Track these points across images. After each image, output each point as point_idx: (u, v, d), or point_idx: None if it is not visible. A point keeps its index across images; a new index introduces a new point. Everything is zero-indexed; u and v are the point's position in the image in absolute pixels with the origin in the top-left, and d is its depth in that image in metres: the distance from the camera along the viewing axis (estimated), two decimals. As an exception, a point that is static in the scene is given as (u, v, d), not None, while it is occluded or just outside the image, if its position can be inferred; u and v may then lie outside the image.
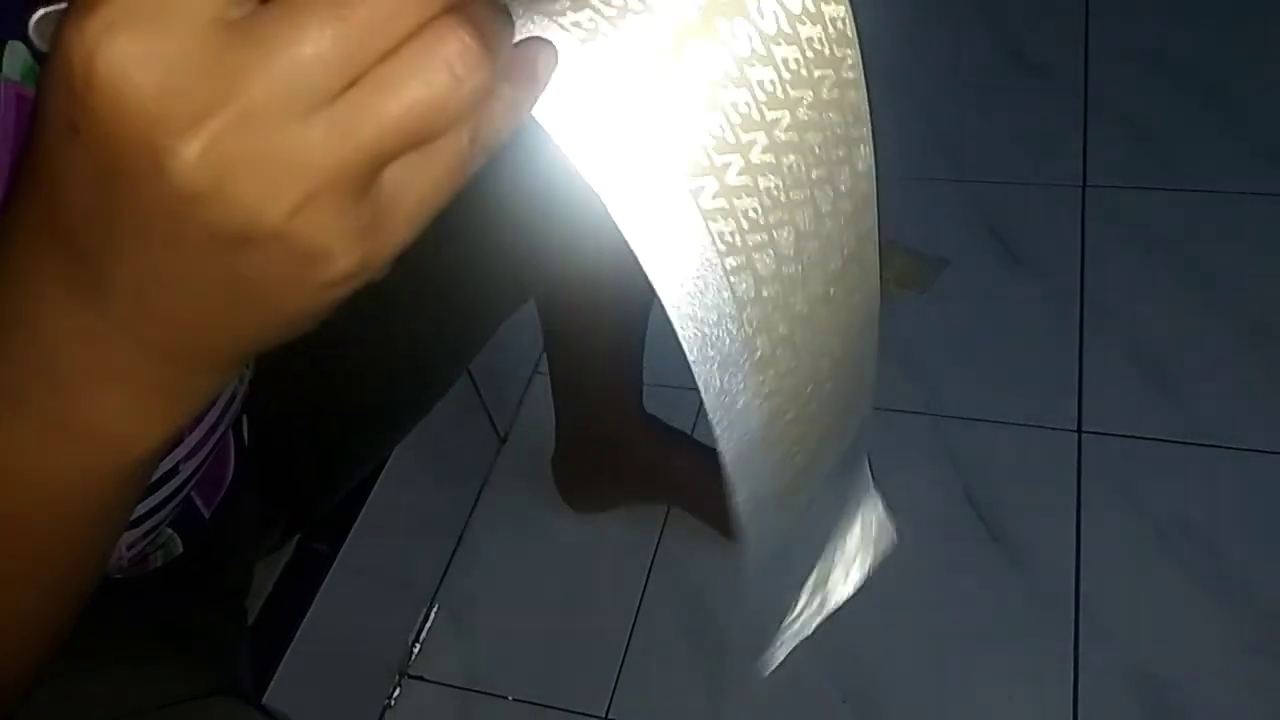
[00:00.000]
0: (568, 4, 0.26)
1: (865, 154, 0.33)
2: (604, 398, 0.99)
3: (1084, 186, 1.26)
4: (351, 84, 0.21)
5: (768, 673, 0.54)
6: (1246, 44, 1.35)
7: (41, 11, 0.21)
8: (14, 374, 0.26)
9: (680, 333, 0.31)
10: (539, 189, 0.63)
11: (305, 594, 0.84)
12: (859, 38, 0.30)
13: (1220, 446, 1.01)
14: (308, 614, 0.83)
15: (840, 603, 0.53)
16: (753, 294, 0.33)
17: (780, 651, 0.53)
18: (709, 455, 1.05)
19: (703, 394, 0.33)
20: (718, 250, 0.31)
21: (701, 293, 0.31)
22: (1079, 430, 1.05)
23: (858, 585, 0.53)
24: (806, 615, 0.52)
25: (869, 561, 0.53)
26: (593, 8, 0.27)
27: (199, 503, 0.58)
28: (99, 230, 0.23)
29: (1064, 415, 1.07)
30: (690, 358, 0.32)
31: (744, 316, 0.33)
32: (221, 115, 0.20)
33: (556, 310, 0.91)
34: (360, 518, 0.90)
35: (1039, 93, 1.38)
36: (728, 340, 0.33)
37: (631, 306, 0.89)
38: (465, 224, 0.62)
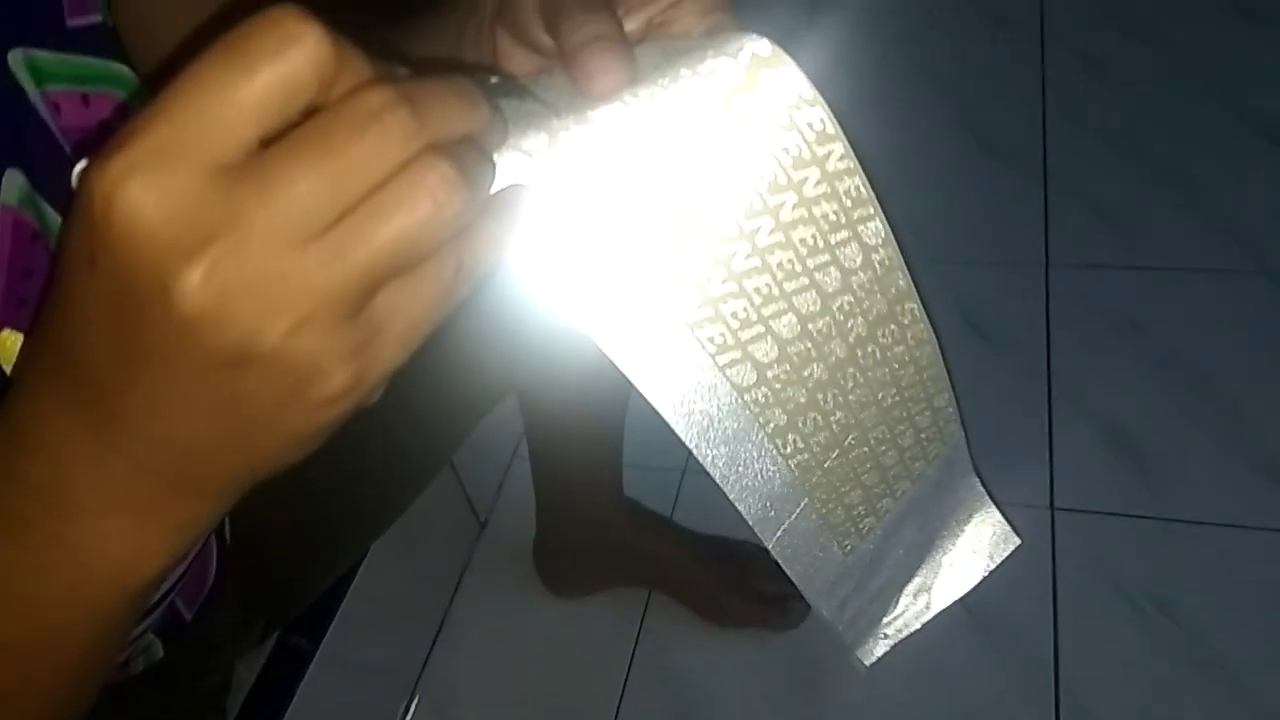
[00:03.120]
0: (544, 139, 0.28)
1: (874, 229, 0.34)
2: (584, 484, 0.99)
3: (1047, 265, 1.29)
4: (344, 215, 0.23)
5: (868, 664, 0.53)
6: (1203, 123, 1.39)
7: (82, 164, 0.23)
8: (21, 498, 0.27)
9: (676, 428, 0.32)
10: (519, 288, 0.64)
11: (286, 689, 0.84)
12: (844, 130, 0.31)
13: (1190, 521, 1.03)
14: (289, 710, 0.82)
15: (946, 605, 0.53)
16: (754, 379, 0.34)
17: (880, 646, 0.53)
18: (689, 539, 1.06)
19: (709, 470, 0.34)
20: (708, 352, 0.32)
21: (694, 391, 0.32)
22: (1051, 507, 1.07)
23: (968, 589, 0.53)
24: (909, 615, 0.53)
25: (983, 568, 0.53)
26: (552, 135, 0.28)
27: (181, 605, 0.58)
28: (109, 358, 0.24)
29: (1036, 492, 1.08)
30: (690, 444, 0.33)
31: (746, 399, 0.34)
32: (222, 244, 0.22)
33: (538, 401, 0.92)
34: (340, 609, 0.89)
35: (1000, 174, 1.42)
36: (732, 424, 0.34)
37: (612, 397, 0.90)
38: (448, 323, 0.64)
